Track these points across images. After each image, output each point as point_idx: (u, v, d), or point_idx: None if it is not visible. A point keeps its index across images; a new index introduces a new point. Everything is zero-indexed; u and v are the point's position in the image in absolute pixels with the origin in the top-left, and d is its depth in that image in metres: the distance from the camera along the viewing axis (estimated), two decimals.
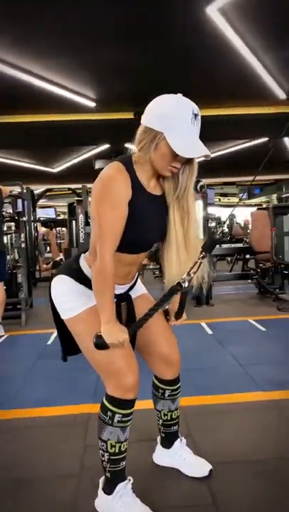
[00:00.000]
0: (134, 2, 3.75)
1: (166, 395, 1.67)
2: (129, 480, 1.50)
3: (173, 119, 1.30)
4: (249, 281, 5.78)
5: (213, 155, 7.49)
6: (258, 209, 6.47)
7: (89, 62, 5.08)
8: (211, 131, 7.80)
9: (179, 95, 1.35)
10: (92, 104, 6.36)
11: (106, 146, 9.20)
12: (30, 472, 1.80)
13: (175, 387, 1.68)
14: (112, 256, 1.34)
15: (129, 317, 1.58)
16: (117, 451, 1.45)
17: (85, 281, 1.49)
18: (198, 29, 4.34)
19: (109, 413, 1.43)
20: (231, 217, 10.13)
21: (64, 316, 1.52)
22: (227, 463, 1.76)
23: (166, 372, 1.65)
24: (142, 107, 1.38)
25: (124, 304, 1.58)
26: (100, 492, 1.52)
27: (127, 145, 8.99)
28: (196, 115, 1.32)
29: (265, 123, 7.28)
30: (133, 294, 1.63)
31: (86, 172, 10.45)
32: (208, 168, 12.13)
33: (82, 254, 1.56)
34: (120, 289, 1.55)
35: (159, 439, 1.81)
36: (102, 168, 1.38)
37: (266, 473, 1.70)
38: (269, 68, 5.42)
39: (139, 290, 1.69)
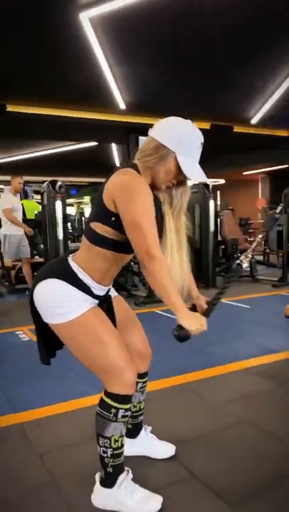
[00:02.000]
0: None
1: (138, 387, 1.80)
2: (128, 470, 1.59)
3: (188, 145, 1.46)
4: None
5: (44, 153, 7.55)
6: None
7: None
8: (53, 130, 7.83)
9: (189, 121, 1.50)
10: None
11: None
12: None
13: (145, 379, 1.83)
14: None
15: (109, 317, 1.65)
16: (120, 445, 1.53)
17: (77, 283, 1.51)
18: (66, 31, 4.39)
19: (113, 410, 1.49)
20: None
21: (55, 321, 1.51)
22: (185, 441, 1.99)
23: (141, 366, 1.77)
24: None
25: (105, 306, 1.65)
26: (99, 487, 1.57)
27: None
28: (201, 143, 1.49)
29: (102, 129, 7.71)
30: (111, 294, 1.71)
31: None
32: (31, 165, 11.96)
33: (69, 257, 1.57)
34: (104, 291, 1.62)
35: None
36: None
37: (224, 441, 2.01)
38: (117, 80, 5.80)
39: (113, 291, 1.77)
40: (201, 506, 1.58)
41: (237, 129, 8.19)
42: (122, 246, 1.48)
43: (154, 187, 1.53)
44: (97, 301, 1.59)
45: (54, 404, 2.45)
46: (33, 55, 5.02)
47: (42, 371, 2.97)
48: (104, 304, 1.64)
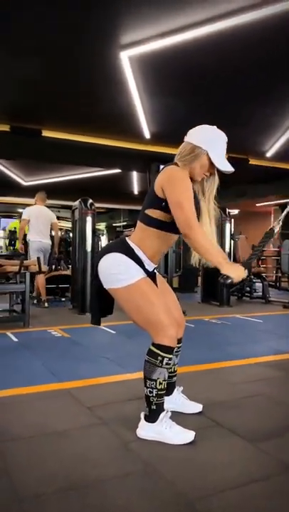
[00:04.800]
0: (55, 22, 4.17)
1: (174, 351, 2.17)
2: (168, 410, 1.96)
3: (216, 143, 1.94)
4: None
5: (66, 178, 8.17)
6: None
7: None
8: (81, 156, 8.41)
9: (214, 127, 1.99)
10: None
11: None
12: (60, 428, 2.06)
13: (180, 344, 2.21)
14: None
15: None
16: (163, 387, 1.90)
17: (135, 257, 1.93)
18: (104, 67, 4.98)
19: (159, 357, 1.87)
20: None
21: (116, 285, 1.92)
22: (210, 404, 2.34)
23: (178, 332, 2.16)
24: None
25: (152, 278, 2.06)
26: (143, 423, 1.93)
27: None
28: (226, 141, 1.97)
29: (126, 157, 8.30)
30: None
31: None
32: (51, 189, 12.56)
33: (126, 238, 2.00)
34: (152, 267, 2.03)
35: None
36: None
37: (243, 406, 2.37)
38: (146, 111, 6.38)
39: (156, 272, 2.18)
40: (226, 443, 1.93)
41: (253, 161, 8.73)
42: (168, 225, 1.91)
43: (191, 180, 1.97)
44: (146, 275, 2.00)
45: (92, 378, 2.83)
46: (70, 86, 5.62)
47: (78, 355, 3.42)
48: (151, 277, 2.05)
